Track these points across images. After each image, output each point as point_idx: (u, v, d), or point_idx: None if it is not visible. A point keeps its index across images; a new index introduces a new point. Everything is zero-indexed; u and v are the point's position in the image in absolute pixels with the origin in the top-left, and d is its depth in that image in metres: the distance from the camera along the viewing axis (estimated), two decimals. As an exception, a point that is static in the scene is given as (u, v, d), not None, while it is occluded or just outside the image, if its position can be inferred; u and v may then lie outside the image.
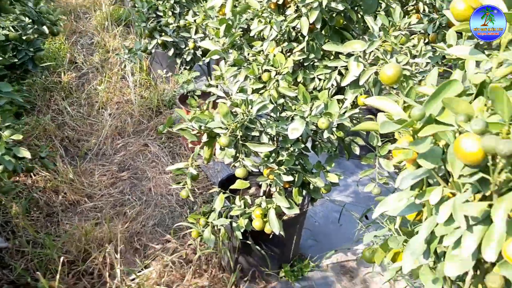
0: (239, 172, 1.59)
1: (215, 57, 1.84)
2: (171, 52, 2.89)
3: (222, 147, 1.57)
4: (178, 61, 2.94)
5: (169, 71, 3.74)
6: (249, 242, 2.04)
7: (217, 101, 1.70)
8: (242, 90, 1.66)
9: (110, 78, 3.95)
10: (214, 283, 2.20)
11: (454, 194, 0.69)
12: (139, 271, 2.27)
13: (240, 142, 1.61)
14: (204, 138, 1.65)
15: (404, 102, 0.77)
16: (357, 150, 1.78)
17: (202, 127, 1.60)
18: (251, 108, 1.57)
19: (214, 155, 1.74)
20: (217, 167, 3.02)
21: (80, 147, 3.29)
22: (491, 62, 0.66)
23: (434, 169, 0.68)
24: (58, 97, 3.73)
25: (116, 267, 2.20)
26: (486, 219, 0.65)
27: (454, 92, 0.64)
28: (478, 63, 0.81)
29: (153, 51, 2.91)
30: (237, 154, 1.61)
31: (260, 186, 2.17)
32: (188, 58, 2.86)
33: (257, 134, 1.63)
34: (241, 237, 1.87)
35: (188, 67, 2.97)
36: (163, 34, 2.90)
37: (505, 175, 0.57)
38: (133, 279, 2.22)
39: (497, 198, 0.60)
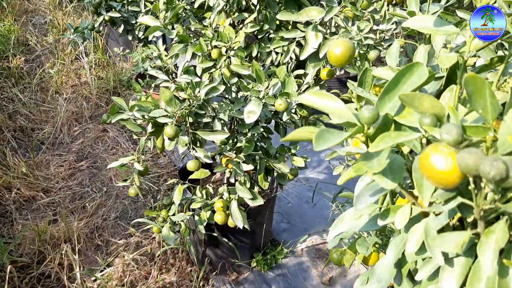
0: (191, 165, 1.41)
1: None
2: (121, 29, 2.64)
3: (169, 138, 1.38)
4: (130, 38, 2.69)
5: (126, 48, 3.48)
6: (215, 234, 1.88)
7: (160, 85, 1.50)
8: (187, 70, 1.46)
9: (63, 59, 3.67)
10: (182, 278, 2.05)
11: (427, 213, 0.52)
12: (102, 270, 2.11)
13: (190, 130, 1.42)
14: (149, 128, 1.45)
15: (359, 97, 0.59)
16: (323, 129, 1.60)
17: (146, 117, 1.40)
18: (199, 91, 1.38)
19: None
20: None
21: (34, 137, 3.06)
22: (463, 35, 0.49)
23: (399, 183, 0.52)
24: (8, 83, 3.46)
25: (75, 268, 2.03)
26: (470, 250, 0.49)
27: (417, 80, 0.47)
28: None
29: (101, 28, 2.65)
30: (188, 144, 1.43)
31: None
32: (140, 35, 2.62)
33: (209, 120, 1.45)
34: (204, 231, 1.70)
35: (142, 44, 2.73)
36: (112, 9, 2.64)
37: (494, 204, 0.40)
38: (94, 280, 2.06)
39: (483, 229, 0.43)
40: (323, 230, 2.24)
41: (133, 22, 2.64)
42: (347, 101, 0.90)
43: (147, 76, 2.85)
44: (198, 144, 1.50)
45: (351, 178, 0.52)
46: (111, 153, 2.88)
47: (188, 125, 1.41)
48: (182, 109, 1.35)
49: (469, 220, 0.45)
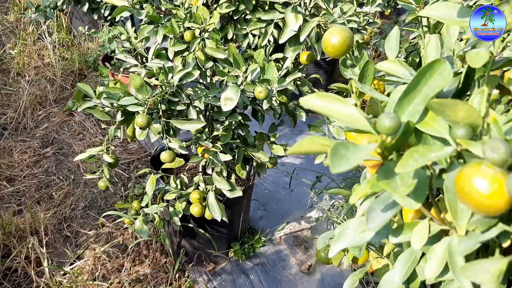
0: (165, 157, 1.32)
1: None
2: (85, 8, 2.49)
3: (140, 127, 1.28)
4: (96, 17, 2.55)
5: (92, 27, 3.31)
6: (191, 225, 1.80)
7: (129, 70, 1.39)
8: (159, 54, 1.35)
9: (25, 40, 3.47)
10: (156, 270, 1.97)
11: (446, 230, 0.46)
12: (71, 263, 2.01)
13: (163, 119, 1.33)
14: (119, 116, 1.35)
15: (360, 93, 0.52)
16: (303, 117, 1.54)
17: (115, 104, 1.30)
18: (172, 77, 1.28)
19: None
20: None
21: (-5, 122, 2.89)
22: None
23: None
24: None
25: (43, 262, 1.93)
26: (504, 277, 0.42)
27: (441, 81, 0.40)
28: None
29: (64, 7, 2.49)
30: (161, 134, 1.34)
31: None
32: (107, 14, 2.47)
33: (183, 107, 1.35)
34: (179, 223, 1.62)
35: (108, 23, 2.59)
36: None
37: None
38: (64, 274, 1.96)
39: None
40: (301, 216, 2.19)
41: (99, 0, 2.49)
42: (338, 92, 0.83)
43: (114, 58, 2.70)
44: (171, 133, 1.41)
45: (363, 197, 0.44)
46: (78, 139, 2.75)
47: (161, 113, 1.31)
48: (154, 96, 1.26)
49: (505, 245, 0.39)
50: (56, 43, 3.38)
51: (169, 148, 1.32)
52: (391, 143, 0.40)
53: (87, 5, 2.50)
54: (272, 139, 1.57)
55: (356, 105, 0.59)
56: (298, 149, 0.40)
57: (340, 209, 2.07)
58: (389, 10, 2.52)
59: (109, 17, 2.45)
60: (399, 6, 2.26)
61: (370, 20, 1.27)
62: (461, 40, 0.54)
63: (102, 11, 2.51)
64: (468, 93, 0.47)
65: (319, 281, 1.92)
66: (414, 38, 1.27)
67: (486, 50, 0.41)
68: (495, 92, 0.42)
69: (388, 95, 0.55)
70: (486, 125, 0.37)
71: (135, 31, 1.56)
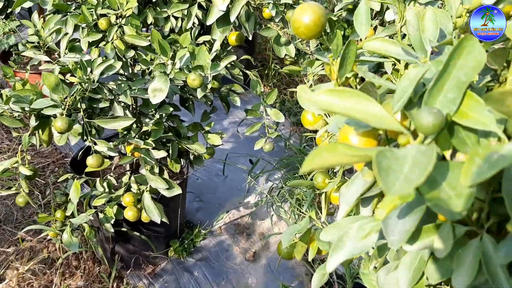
0: (92, 162, 1.17)
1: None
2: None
3: (60, 132, 1.12)
4: (-14, 8, 2.25)
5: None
6: (125, 229, 1.66)
7: (40, 67, 1.21)
8: (73, 48, 1.19)
9: None
10: (91, 281, 1.81)
11: (475, 233, 0.40)
12: (-9, 287, 1.79)
13: (85, 119, 1.18)
14: (32, 122, 1.18)
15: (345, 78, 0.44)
16: (238, 101, 1.45)
17: (27, 109, 1.13)
18: (91, 71, 1.13)
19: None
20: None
21: None
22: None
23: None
24: None
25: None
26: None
27: (473, 62, 0.33)
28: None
29: None
30: (85, 137, 1.19)
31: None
32: (0, 5, 2.19)
33: (107, 104, 1.21)
34: (112, 230, 1.48)
35: (3, 16, 2.30)
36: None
37: None
38: (-17, 301, 1.74)
39: None
40: (239, 203, 2.12)
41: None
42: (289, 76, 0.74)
43: (13, 54, 2.43)
44: (94, 133, 1.26)
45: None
46: (-18, 147, 2.45)
47: (81, 113, 1.16)
48: (73, 95, 1.10)
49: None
50: None
51: (96, 152, 1.17)
52: (426, 143, 0.33)
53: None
54: (207, 128, 1.47)
55: None
56: (315, 163, 0.31)
57: (279, 191, 2.03)
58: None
59: (2, 7, 2.17)
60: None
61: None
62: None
63: (-6, 2, 2.22)
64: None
65: (266, 266, 1.87)
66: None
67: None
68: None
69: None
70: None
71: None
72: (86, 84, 1.11)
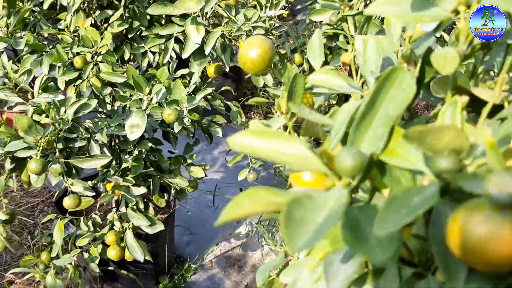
0: (68, 203, 1.15)
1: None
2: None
3: (35, 173, 1.10)
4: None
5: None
6: (111, 268, 1.62)
7: (14, 109, 1.20)
8: (47, 87, 1.18)
9: None
10: (79, 322, 1.76)
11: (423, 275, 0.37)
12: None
13: (62, 160, 1.16)
14: (8, 164, 1.16)
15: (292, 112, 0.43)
16: (219, 132, 1.43)
17: (1, 152, 1.11)
18: (65, 111, 1.12)
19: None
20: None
21: None
22: (456, 19, 0.34)
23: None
24: None
25: None
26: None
27: (402, 94, 0.31)
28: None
29: None
30: (63, 177, 1.17)
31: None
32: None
33: (84, 143, 1.19)
34: (98, 270, 1.45)
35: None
36: None
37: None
38: None
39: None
40: (229, 234, 2.08)
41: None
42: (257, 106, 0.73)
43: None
44: (74, 172, 1.24)
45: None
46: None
47: (57, 153, 1.15)
48: (47, 136, 1.09)
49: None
50: None
51: (73, 192, 1.15)
52: (354, 185, 0.31)
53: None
54: (189, 160, 1.45)
55: (287, 129, 0.50)
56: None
57: (268, 221, 2.00)
58: (287, 12, 2.50)
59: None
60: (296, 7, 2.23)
61: (277, 24, 1.20)
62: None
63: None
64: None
65: (259, 300, 1.82)
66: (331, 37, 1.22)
67: (454, 49, 0.33)
68: (465, 99, 0.34)
69: (326, 112, 0.47)
70: (470, 148, 0.29)
71: (18, 61, 1.36)
72: (60, 125, 1.09)
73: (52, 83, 1.21)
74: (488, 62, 0.42)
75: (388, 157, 0.31)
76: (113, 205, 1.70)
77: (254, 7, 1.19)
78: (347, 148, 0.30)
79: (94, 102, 1.17)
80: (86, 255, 1.46)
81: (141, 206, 1.43)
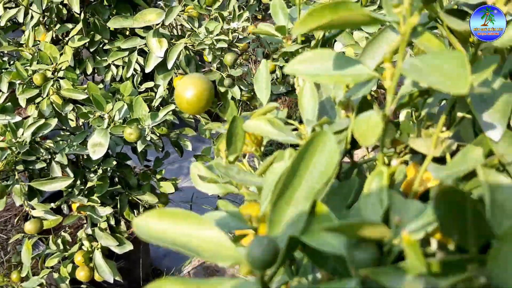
0: (30, 228, 1.11)
1: None
2: None
3: (-6, 199, 1.06)
4: None
5: None
6: (84, 287, 1.58)
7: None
8: (5, 108, 1.14)
9: None
10: None
11: None
12: None
13: (21, 183, 1.12)
14: (-35, 189, 1.11)
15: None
16: (189, 146, 1.40)
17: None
18: (22, 133, 1.08)
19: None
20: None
21: None
22: (381, 78, 0.31)
23: None
24: None
25: None
26: None
27: (326, 159, 0.28)
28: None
29: None
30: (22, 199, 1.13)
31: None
32: None
33: (44, 164, 1.15)
34: (68, 289, 1.41)
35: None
36: None
37: None
38: None
39: None
40: (208, 244, 2.04)
41: None
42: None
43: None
44: (38, 194, 1.20)
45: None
46: None
47: (17, 177, 1.10)
48: (3, 160, 1.05)
49: None
50: None
51: (34, 216, 1.11)
52: (266, 277, 0.28)
53: None
54: (158, 176, 1.41)
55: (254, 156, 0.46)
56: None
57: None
58: (261, 15, 2.47)
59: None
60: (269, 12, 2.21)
61: (240, 36, 1.16)
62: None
63: None
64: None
65: (238, 311, 1.79)
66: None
67: (378, 113, 0.30)
68: (395, 163, 0.31)
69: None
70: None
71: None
72: (17, 148, 1.05)
73: (9, 103, 1.16)
74: (432, 104, 0.39)
75: (310, 239, 0.28)
76: (84, 221, 1.65)
77: (216, 19, 1.15)
78: (258, 239, 0.27)
79: (54, 122, 1.13)
80: (55, 275, 1.42)
81: (112, 222, 1.40)
